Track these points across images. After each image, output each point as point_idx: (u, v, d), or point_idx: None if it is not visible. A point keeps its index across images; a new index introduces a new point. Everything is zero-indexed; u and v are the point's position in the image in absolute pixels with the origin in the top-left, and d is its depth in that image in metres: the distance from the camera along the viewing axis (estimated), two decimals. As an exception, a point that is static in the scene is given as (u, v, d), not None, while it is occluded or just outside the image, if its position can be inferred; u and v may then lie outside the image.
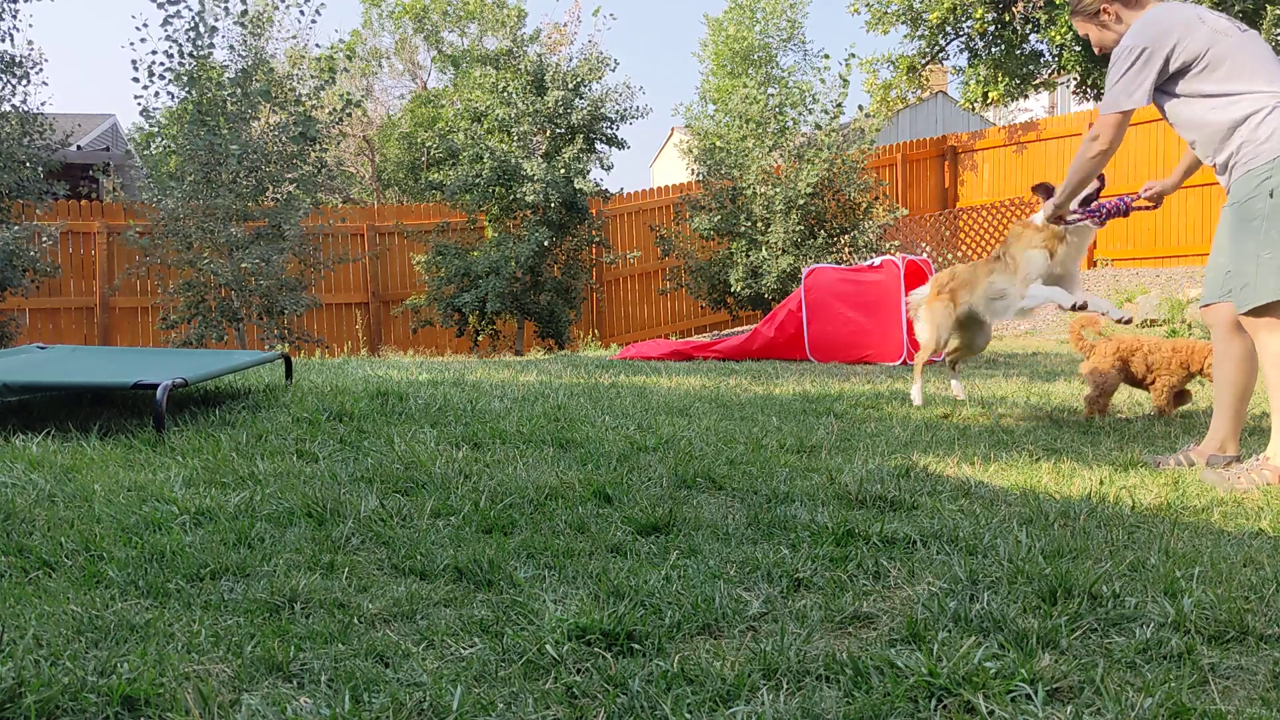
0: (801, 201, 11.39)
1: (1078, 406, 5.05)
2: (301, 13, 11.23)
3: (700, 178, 12.43)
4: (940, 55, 19.17)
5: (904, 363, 7.88)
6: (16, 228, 9.82)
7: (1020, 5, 17.32)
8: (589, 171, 11.86)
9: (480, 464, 3.22)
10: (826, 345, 8.24)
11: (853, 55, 12.71)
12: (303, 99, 10.92)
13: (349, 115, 11.67)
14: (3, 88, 10.25)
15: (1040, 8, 16.81)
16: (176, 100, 10.52)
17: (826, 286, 8.35)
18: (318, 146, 10.95)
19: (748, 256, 11.70)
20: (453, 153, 11.98)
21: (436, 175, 12.54)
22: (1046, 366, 7.50)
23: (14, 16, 10.23)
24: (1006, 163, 15.34)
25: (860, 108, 12.93)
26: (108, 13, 59.60)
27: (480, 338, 11.95)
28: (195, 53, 10.26)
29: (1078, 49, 16.61)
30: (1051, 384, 6.06)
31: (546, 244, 11.39)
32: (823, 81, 12.83)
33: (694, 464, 3.26)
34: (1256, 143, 3.27)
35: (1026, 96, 19.05)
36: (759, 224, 11.67)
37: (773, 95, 12.40)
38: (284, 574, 2.14)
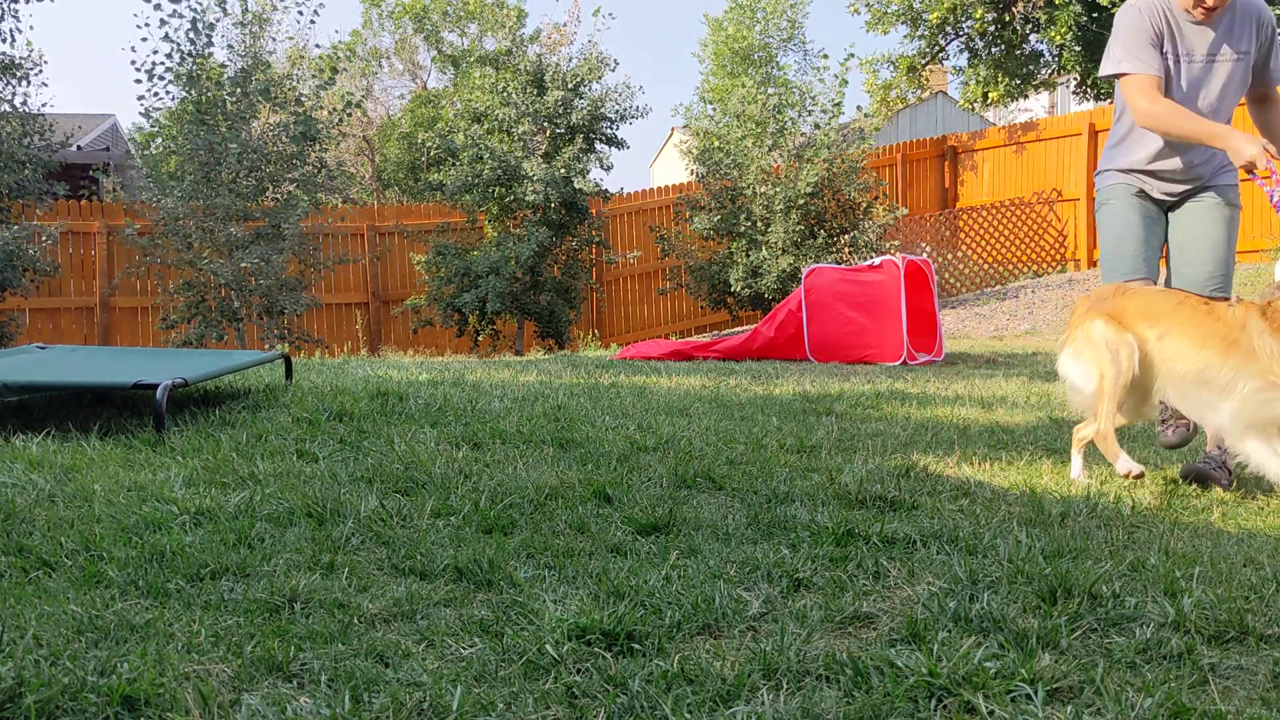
0: (801, 201, 11.39)
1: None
2: (300, 13, 11.24)
3: (700, 178, 12.43)
4: (940, 55, 19.17)
5: (904, 363, 7.88)
6: (16, 228, 9.82)
7: (1020, 5, 17.32)
8: (589, 171, 11.86)
9: (480, 464, 3.22)
10: (826, 345, 8.23)
11: (851, 55, 12.71)
12: (303, 99, 10.92)
13: (349, 115, 11.66)
14: (3, 89, 10.24)
15: (1040, 8, 16.81)
16: (176, 100, 10.52)
17: (826, 286, 8.35)
18: (318, 146, 10.95)
19: (748, 256, 11.70)
20: (453, 153, 11.97)
21: (436, 175, 12.54)
22: (1047, 366, 7.50)
23: (14, 17, 10.23)
24: (1006, 163, 15.33)
25: (859, 108, 12.93)
26: (108, 13, 59.62)
27: (480, 338, 11.94)
28: (195, 53, 10.26)
29: (1078, 49, 16.60)
30: (1051, 384, 6.06)
31: (546, 244, 11.39)
32: (820, 81, 12.83)
33: (694, 464, 3.26)
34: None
35: (1026, 96, 19.06)
36: (759, 224, 11.67)
37: (772, 95, 12.40)
38: (284, 574, 2.14)
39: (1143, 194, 3.53)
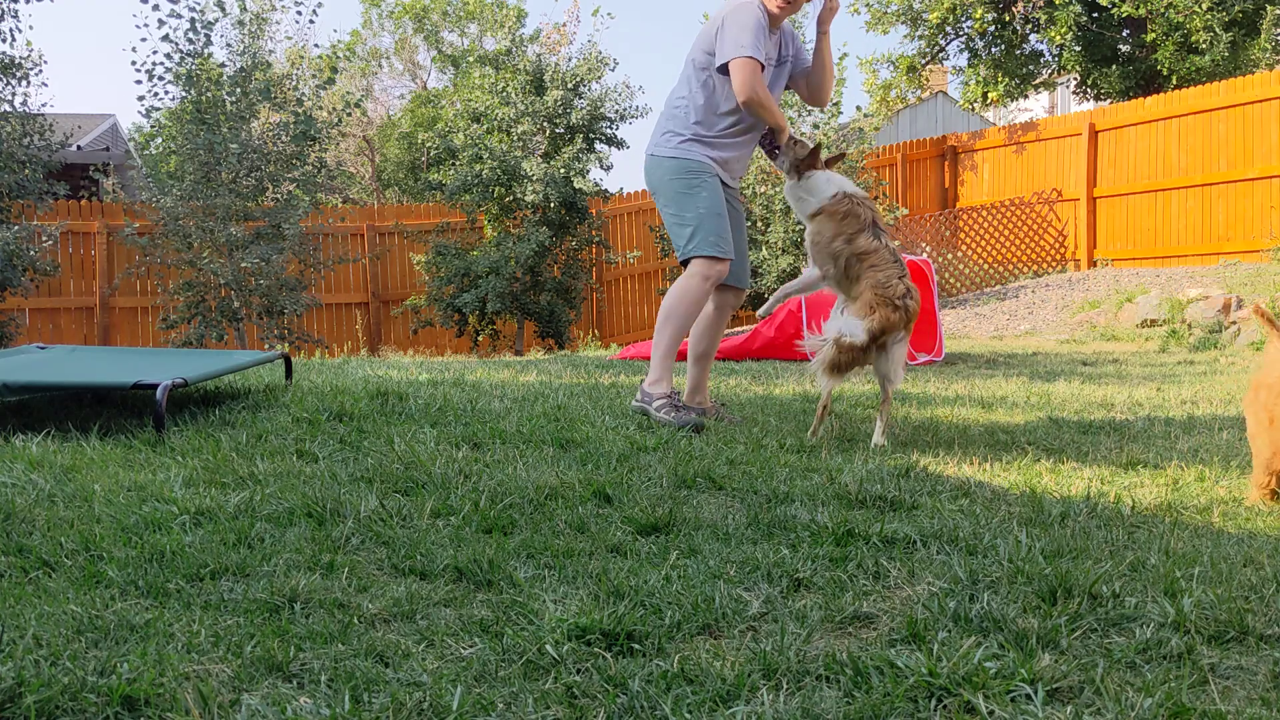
0: (801, 201, 11.39)
1: (1079, 406, 5.05)
2: (299, 13, 11.24)
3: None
4: (940, 55, 19.19)
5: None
6: (16, 228, 9.81)
7: (1020, 5, 17.33)
8: (589, 171, 11.87)
9: (480, 464, 3.22)
10: (826, 345, 8.22)
11: (844, 55, 12.72)
12: (303, 99, 10.92)
13: (349, 115, 11.68)
14: (3, 89, 10.24)
15: (1040, 8, 16.82)
16: (176, 100, 10.53)
17: (826, 286, 8.34)
18: (318, 146, 10.95)
19: (748, 256, 11.70)
20: (452, 153, 11.98)
21: (436, 175, 12.54)
22: (1046, 366, 7.51)
23: (15, 17, 10.23)
24: (1006, 163, 15.34)
25: (858, 108, 12.92)
26: (108, 13, 59.60)
27: (480, 338, 11.94)
28: (194, 52, 10.27)
29: (1078, 49, 16.61)
30: (1051, 384, 6.06)
31: (546, 244, 11.39)
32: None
33: (694, 464, 3.26)
34: None
35: (1026, 96, 19.07)
36: (759, 224, 11.67)
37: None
38: (284, 574, 2.14)
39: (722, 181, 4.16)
